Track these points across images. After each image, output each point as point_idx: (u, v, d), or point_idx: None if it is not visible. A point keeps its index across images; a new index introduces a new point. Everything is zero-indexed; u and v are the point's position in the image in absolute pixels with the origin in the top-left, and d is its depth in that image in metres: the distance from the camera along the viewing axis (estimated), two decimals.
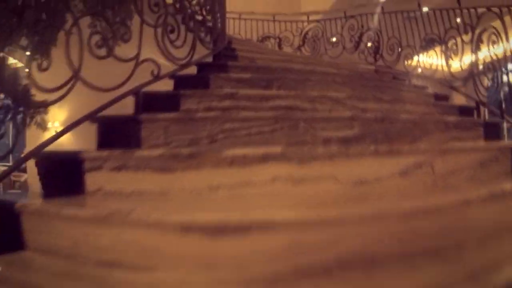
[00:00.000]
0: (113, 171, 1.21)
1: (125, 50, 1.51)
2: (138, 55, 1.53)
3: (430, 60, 3.90)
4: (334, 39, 4.93)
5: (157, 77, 1.66)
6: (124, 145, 1.36)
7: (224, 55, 2.57)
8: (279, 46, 5.46)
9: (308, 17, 5.45)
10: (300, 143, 1.49)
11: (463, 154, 1.45)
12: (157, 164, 1.21)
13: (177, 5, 1.98)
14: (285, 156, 1.23)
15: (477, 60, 2.67)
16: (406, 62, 3.64)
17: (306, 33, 5.30)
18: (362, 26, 4.77)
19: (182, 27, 1.90)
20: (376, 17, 4.85)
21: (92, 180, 1.21)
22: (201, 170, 1.21)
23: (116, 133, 1.42)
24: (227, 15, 6.85)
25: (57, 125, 7.20)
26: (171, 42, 1.86)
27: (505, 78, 2.68)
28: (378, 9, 4.83)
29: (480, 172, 1.45)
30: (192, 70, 2.19)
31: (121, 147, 1.31)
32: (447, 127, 1.82)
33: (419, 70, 3.74)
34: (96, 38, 1.41)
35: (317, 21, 5.33)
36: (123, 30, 1.52)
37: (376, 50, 4.27)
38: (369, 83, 2.65)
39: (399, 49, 4.00)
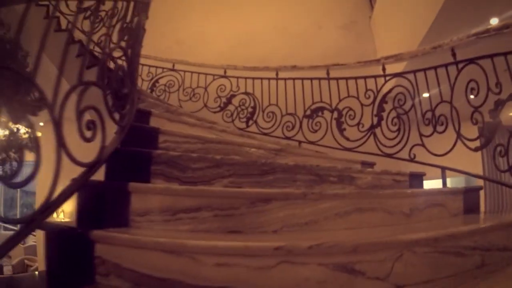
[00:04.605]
0: None
1: None
2: None
3: None
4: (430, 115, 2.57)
5: None
6: None
7: None
8: (339, 126, 3.26)
9: (383, 69, 3.12)
10: None
11: None
12: None
13: None
14: None
15: None
16: None
17: (384, 99, 3.01)
18: (499, 84, 2.34)
19: None
20: None
21: None
22: None
23: None
24: (257, 74, 4.76)
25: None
26: None
27: None
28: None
29: None
30: None
31: None
32: None
33: None
34: None
35: (400, 74, 2.99)
36: None
37: None
38: None
39: None
